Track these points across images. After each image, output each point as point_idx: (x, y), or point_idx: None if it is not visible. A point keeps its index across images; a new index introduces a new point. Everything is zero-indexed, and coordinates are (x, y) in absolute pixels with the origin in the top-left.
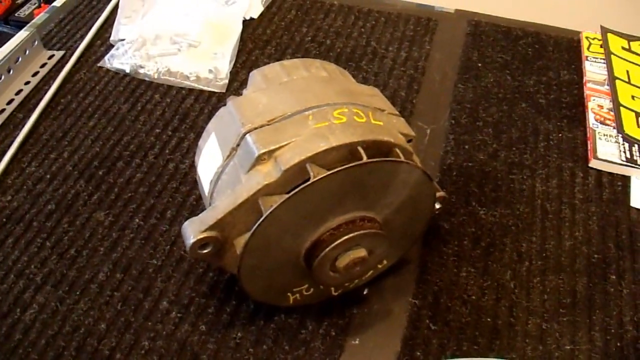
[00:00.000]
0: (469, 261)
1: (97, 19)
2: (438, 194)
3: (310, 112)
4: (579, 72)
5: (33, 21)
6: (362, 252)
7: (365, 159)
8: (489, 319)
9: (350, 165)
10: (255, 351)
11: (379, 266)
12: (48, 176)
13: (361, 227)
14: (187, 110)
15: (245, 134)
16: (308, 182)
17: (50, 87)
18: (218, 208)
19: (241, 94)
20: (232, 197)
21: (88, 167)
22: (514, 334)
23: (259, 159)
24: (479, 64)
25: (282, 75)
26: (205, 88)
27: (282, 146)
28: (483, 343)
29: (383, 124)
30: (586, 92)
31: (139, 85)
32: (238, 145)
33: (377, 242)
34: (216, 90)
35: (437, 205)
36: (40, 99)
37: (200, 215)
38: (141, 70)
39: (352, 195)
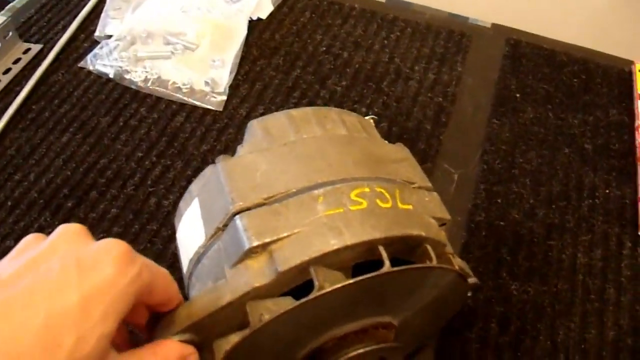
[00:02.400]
0: (494, 350)
1: (84, 6)
2: (470, 281)
3: (321, 192)
4: (630, 112)
5: (10, 5)
6: None
7: (387, 264)
8: None
9: (368, 276)
10: None
11: None
12: (9, 203)
13: (374, 339)
14: (176, 130)
15: (234, 214)
16: (311, 296)
17: (22, 88)
18: (195, 306)
19: (234, 152)
20: (213, 295)
21: (56, 195)
22: None
23: (250, 252)
24: (517, 95)
25: (288, 131)
26: (199, 104)
27: (281, 239)
28: None
29: (412, 209)
30: (638, 139)
31: (124, 94)
32: (225, 226)
33: (391, 354)
34: (212, 108)
35: (469, 294)
36: (10, 103)
37: (173, 313)
38: (127, 76)
39: (367, 304)
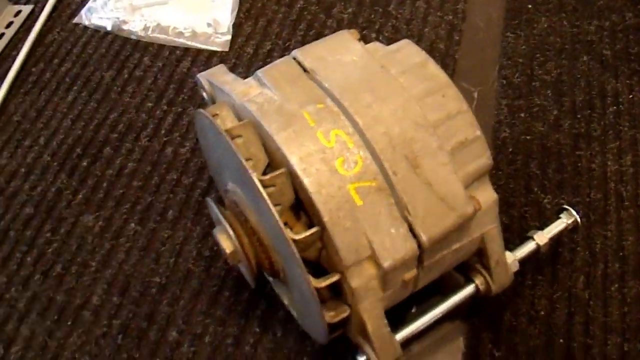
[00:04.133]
0: (534, 266)
1: None
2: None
3: (329, 104)
4: None
5: None
6: (225, 243)
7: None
8: (561, 340)
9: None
10: None
11: None
12: (23, 169)
13: (233, 220)
14: (183, 75)
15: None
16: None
17: (19, 52)
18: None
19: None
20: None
21: (69, 155)
22: (592, 358)
23: (257, 77)
24: (529, 5)
25: (395, 65)
26: (204, 47)
27: (270, 91)
28: None
29: (361, 205)
30: None
31: (124, 45)
32: None
33: (245, 263)
34: (217, 49)
35: None
36: (8, 69)
37: None
38: (125, 27)
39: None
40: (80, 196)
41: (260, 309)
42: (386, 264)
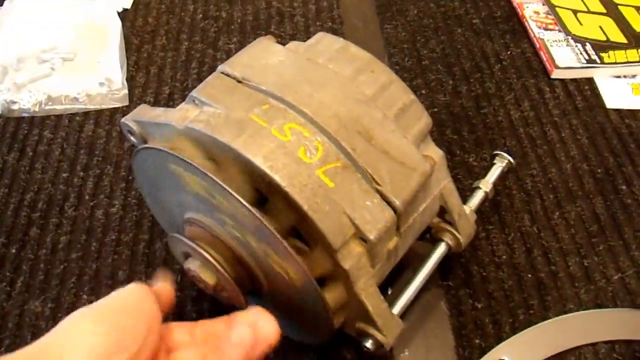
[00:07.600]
0: (482, 217)
1: None
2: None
3: (273, 104)
4: None
5: None
6: (206, 275)
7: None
8: (529, 275)
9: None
10: None
11: None
12: None
13: (209, 248)
14: (90, 139)
15: (219, 70)
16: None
17: None
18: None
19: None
20: (164, 112)
21: None
22: (561, 282)
23: (191, 99)
24: None
25: (325, 55)
26: (103, 107)
27: (211, 106)
28: (536, 305)
29: (330, 186)
30: (516, 0)
31: (19, 124)
32: None
33: (229, 287)
34: (117, 105)
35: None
36: None
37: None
38: (15, 107)
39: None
40: (19, 284)
41: None
42: (372, 236)
